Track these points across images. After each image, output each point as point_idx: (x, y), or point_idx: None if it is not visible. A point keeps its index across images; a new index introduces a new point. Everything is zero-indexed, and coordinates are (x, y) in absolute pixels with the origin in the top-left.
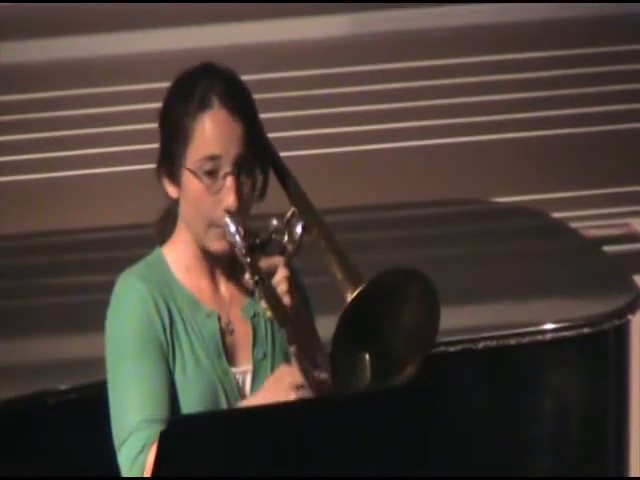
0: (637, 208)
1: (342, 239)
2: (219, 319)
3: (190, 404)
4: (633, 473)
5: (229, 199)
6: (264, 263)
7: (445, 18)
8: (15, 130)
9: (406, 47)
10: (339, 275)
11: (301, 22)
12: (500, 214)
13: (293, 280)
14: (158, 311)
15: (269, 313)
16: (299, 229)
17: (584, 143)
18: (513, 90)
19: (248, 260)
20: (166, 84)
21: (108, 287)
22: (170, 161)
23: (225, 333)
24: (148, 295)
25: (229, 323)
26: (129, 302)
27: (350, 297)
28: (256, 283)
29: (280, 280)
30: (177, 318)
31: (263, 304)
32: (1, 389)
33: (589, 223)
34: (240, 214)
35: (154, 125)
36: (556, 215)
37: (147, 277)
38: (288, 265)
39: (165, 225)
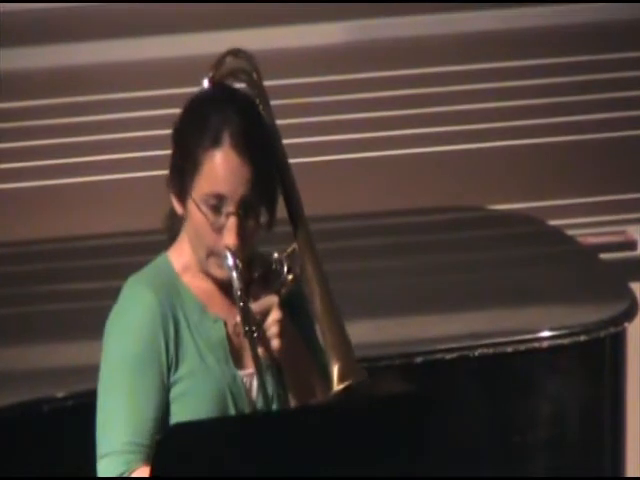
0: (633, 215)
1: (339, 246)
2: (225, 324)
3: (199, 410)
4: None
5: (230, 239)
6: (257, 306)
7: (443, 25)
8: (16, 137)
9: (403, 54)
10: (326, 334)
11: (297, 29)
12: (497, 221)
13: (287, 319)
14: (164, 324)
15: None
16: (297, 269)
17: (581, 151)
18: (510, 98)
19: (241, 305)
20: (167, 91)
21: (106, 294)
22: (178, 183)
23: (232, 338)
24: (156, 305)
25: (236, 324)
26: (135, 313)
27: (336, 380)
28: (245, 332)
29: (272, 323)
30: (183, 326)
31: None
32: None
33: (585, 230)
34: (241, 250)
35: (156, 132)
36: (553, 222)
37: (156, 285)
38: (282, 305)
39: (172, 223)
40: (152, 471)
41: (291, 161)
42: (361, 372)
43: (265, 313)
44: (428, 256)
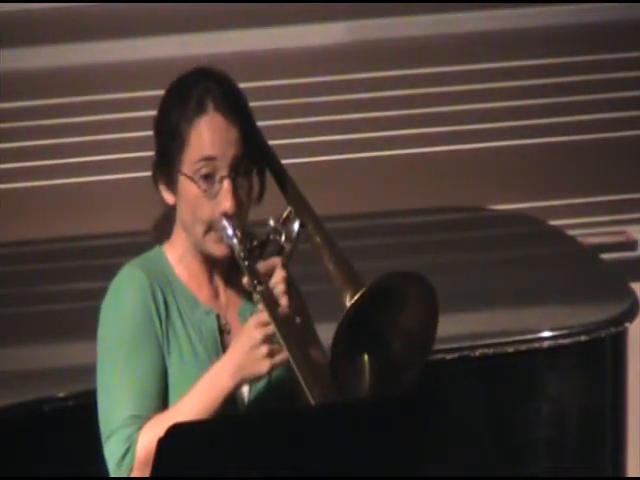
0: (634, 215)
1: (341, 246)
2: (217, 317)
3: None
4: None
5: (226, 203)
6: (262, 266)
7: (443, 25)
8: (16, 137)
9: (403, 54)
10: (336, 276)
11: (297, 29)
12: (498, 221)
13: (291, 280)
14: (156, 304)
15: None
16: (296, 228)
17: (581, 151)
18: (511, 98)
19: (246, 264)
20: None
21: (105, 294)
22: (166, 167)
23: (223, 332)
24: (147, 285)
25: (226, 323)
26: (129, 291)
27: (349, 302)
28: (254, 287)
29: (278, 282)
30: (174, 312)
31: (261, 307)
32: None
33: (586, 230)
34: (237, 217)
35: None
36: (553, 222)
37: (148, 269)
38: (285, 266)
39: (163, 228)
40: (152, 471)
41: (289, 161)
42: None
43: (269, 274)
44: (428, 256)
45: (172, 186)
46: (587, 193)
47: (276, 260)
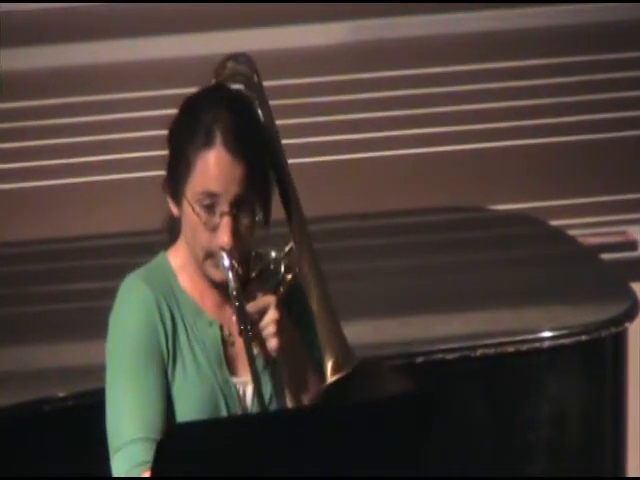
0: (634, 216)
1: (339, 247)
2: (221, 328)
3: (190, 410)
4: None
5: (224, 238)
6: (254, 306)
7: (443, 25)
8: (16, 137)
9: (404, 54)
10: (321, 335)
11: (297, 29)
12: (498, 221)
13: (285, 314)
14: (162, 317)
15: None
16: (295, 267)
17: (581, 151)
18: (511, 98)
19: (237, 304)
20: (169, 91)
21: (107, 294)
22: (172, 184)
23: (227, 343)
24: (153, 300)
25: (230, 334)
26: (134, 307)
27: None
28: (241, 330)
29: (268, 323)
30: (180, 324)
31: (249, 347)
32: None
33: (586, 231)
34: (237, 249)
35: (156, 132)
36: (553, 222)
37: (152, 281)
38: (284, 297)
39: (170, 230)
40: (152, 471)
41: (291, 161)
42: (353, 363)
43: (262, 313)
44: (428, 256)
45: (177, 201)
46: (587, 193)
47: (270, 299)
